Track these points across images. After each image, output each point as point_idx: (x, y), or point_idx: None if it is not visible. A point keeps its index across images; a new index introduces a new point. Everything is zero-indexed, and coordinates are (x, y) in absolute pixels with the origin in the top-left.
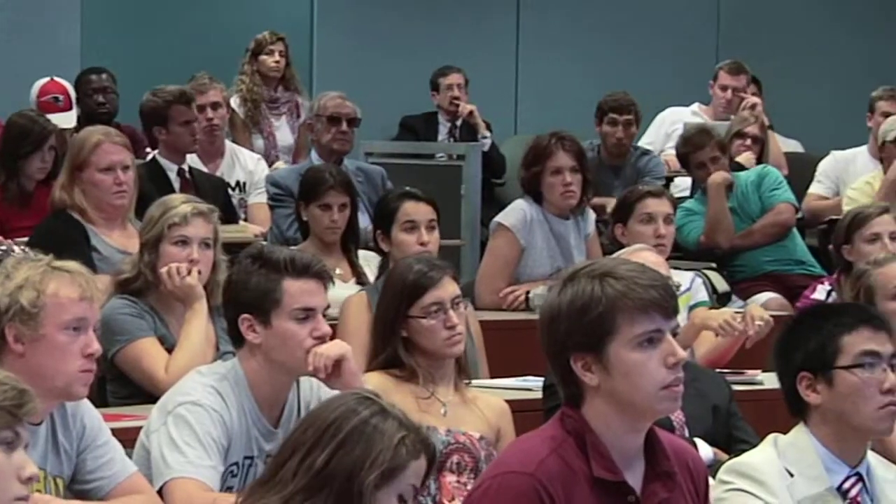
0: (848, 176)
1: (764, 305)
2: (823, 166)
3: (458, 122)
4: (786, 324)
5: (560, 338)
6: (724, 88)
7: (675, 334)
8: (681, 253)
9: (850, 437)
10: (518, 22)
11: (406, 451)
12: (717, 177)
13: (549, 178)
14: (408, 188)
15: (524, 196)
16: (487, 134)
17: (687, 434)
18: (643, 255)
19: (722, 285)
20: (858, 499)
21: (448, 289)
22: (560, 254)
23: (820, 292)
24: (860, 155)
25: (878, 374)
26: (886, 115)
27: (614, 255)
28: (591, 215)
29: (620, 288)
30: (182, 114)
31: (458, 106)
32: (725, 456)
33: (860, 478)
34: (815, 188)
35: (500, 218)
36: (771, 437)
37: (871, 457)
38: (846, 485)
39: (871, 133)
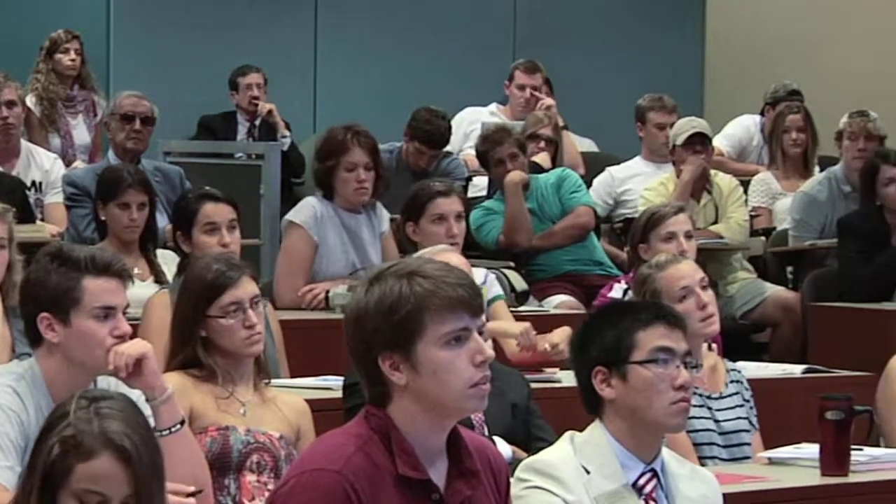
0: (625, 185)
1: (558, 307)
2: (596, 184)
3: (257, 122)
4: (583, 320)
5: (367, 337)
6: (521, 88)
7: (481, 333)
8: (480, 252)
9: (643, 432)
10: (316, 21)
11: (62, 452)
12: (514, 176)
13: (343, 173)
14: (207, 189)
15: (315, 192)
16: (286, 133)
17: (486, 432)
18: (447, 256)
19: (520, 284)
20: (653, 495)
21: (247, 288)
22: (354, 249)
23: (617, 291)
24: (634, 164)
25: (671, 370)
26: (659, 126)
27: (416, 254)
28: (384, 213)
29: (428, 286)
30: None
31: (257, 105)
32: (524, 454)
33: (655, 474)
34: None
35: (291, 216)
36: (567, 434)
37: (666, 453)
38: (641, 481)
39: (644, 142)
